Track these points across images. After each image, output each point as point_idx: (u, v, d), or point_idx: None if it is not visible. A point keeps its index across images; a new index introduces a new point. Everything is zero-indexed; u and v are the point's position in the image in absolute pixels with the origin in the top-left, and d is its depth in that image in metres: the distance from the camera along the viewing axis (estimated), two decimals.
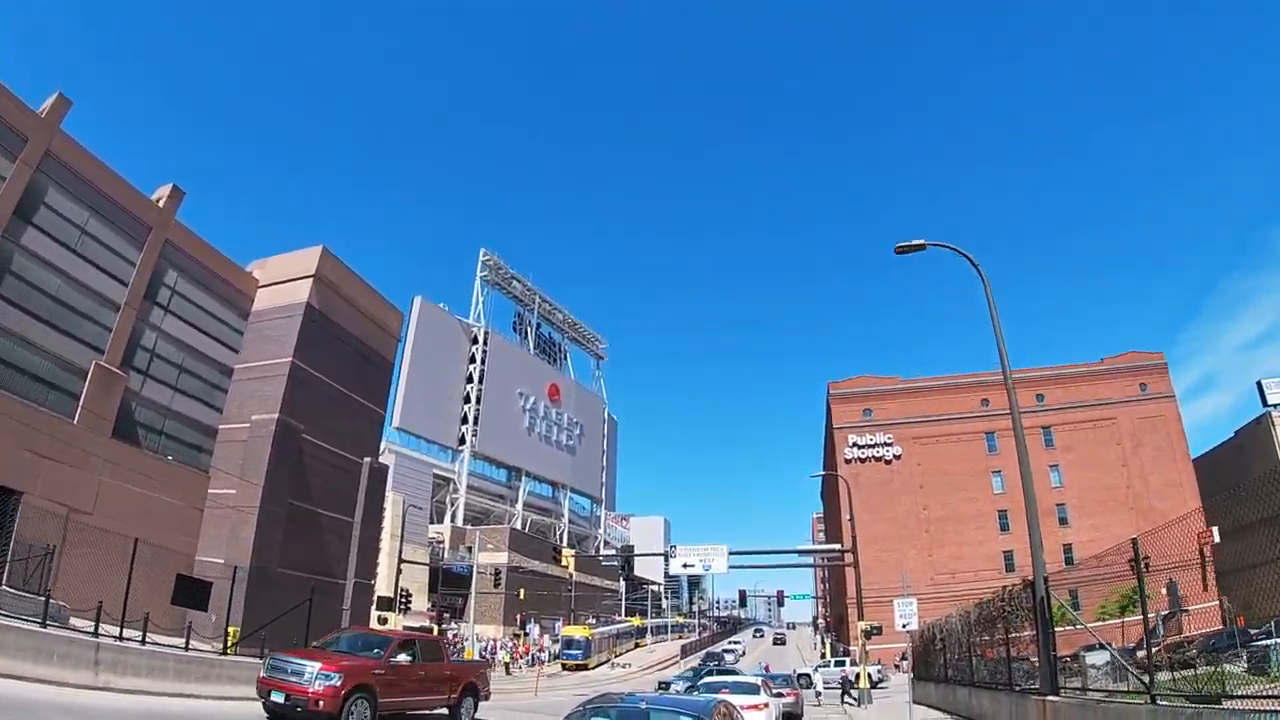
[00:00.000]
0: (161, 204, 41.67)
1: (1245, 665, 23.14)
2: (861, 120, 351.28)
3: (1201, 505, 65.94)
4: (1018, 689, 18.70)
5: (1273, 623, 38.41)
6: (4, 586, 20.41)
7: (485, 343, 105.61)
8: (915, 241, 19.42)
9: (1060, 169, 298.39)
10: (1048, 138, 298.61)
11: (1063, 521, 79.53)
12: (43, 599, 18.23)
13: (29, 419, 31.59)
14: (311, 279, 45.87)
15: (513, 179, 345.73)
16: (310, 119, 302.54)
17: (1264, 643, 26.13)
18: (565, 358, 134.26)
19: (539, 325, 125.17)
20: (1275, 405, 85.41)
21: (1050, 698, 15.82)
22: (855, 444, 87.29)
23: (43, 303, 34.36)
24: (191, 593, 24.04)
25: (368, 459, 50.06)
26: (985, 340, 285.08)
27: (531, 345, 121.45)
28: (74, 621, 19.45)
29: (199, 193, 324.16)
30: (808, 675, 46.73)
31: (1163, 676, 13.10)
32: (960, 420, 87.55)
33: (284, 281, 46.71)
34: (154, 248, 40.28)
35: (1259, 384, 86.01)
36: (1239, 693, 10.50)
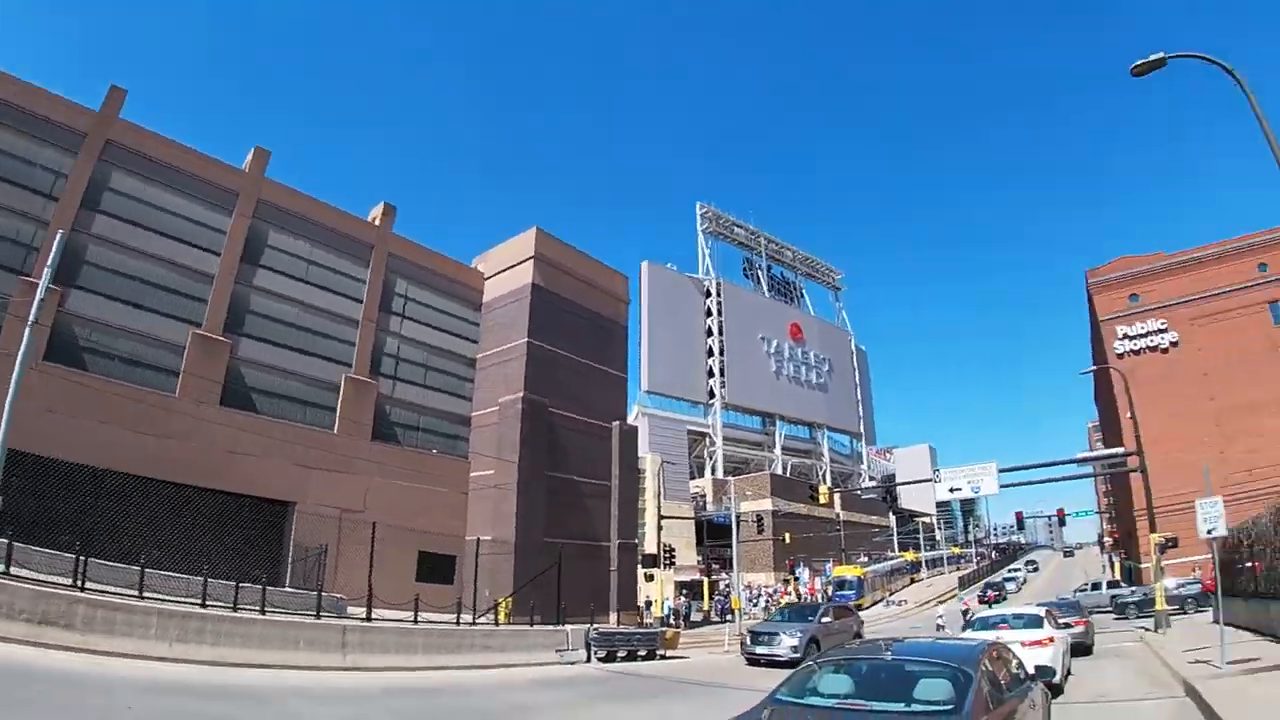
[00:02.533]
0: (378, 222, 45.21)
1: None
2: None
3: None
4: None
5: None
6: (287, 586, 22.46)
7: (719, 294, 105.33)
8: (1154, 56, 16.53)
9: None
10: None
11: None
12: (316, 593, 19.80)
13: (295, 437, 35.37)
14: (532, 260, 47.51)
15: (713, 125, 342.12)
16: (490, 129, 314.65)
17: None
18: (802, 295, 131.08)
19: (769, 267, 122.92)
20: None
21: None
22: (1125, 335, 77.65)
23: (286, 332, 38.29)
24: (435, 567, 25.39)
25: (616, 422, 51.17)
26: (1249, 199, 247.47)
27: (765, 288, 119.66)
28: (350, 609, 21.07)
29: (406, 205, 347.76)
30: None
31: None
32: (1239, 291, 75.56)
33: (506, 269, 49.03)
34: (380, 262, 44.11)
35: None
36: None
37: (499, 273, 49.56)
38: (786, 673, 8.60)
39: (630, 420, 64.33)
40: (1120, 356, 76.81)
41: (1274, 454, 71.30)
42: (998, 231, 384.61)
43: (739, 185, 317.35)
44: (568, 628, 27.38)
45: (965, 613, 40.21)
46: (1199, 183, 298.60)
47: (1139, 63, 16.71)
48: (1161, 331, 77.80)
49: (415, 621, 21.89)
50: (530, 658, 24.11)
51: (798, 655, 23.20)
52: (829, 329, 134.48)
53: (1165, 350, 77.31)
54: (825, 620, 27.95)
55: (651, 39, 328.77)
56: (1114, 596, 50.57)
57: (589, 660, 26.44)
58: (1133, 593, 49.46)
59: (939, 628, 38.79)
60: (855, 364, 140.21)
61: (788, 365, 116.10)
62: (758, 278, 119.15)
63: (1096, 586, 57.01)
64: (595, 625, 29.60)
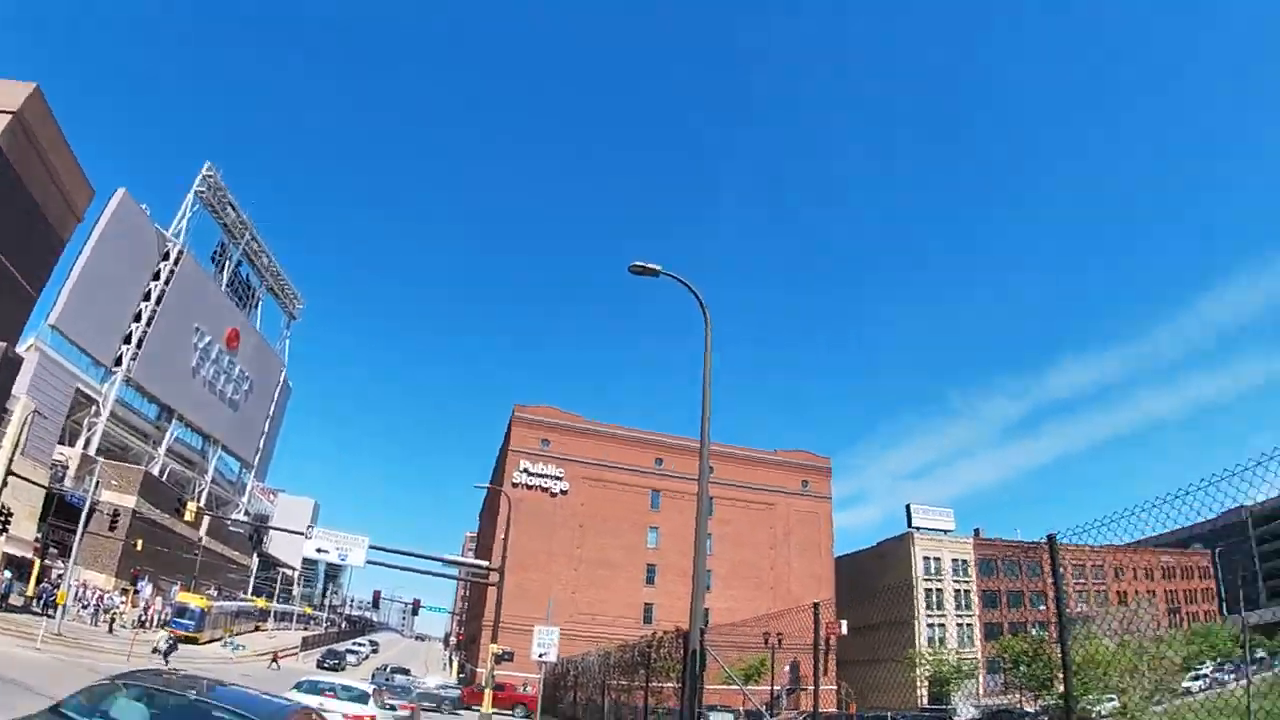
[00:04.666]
0: None
1: None
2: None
3: (834, 598, 74.04)
4: None
5: (889, 715, 42.95)
6: None
7: (177, 264, 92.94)
8: (651, 265, 18.79)
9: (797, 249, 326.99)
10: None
11: (707, 588, 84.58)
12: None
13: None
14: (10, 117, 37.83)
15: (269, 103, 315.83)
16: None
17: None
18: (257, 306, 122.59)
19: (240, 263, 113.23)
20: (919, 528, 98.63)
21: None
22: (527, 470, 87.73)
23: None
24: None
25: (3, 344, 41.87)
26: (661, 400, 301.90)
27: (225, 281, 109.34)
28: None
29: None
30: None
31: None
32: (631, 472, 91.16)
33: None
34: None
35: (908, 506, 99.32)
36: None
37: None
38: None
39: (20, 349, 52.91)
40: (516, 486, 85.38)
41: (615, 608, 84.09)
42: (447, 338, 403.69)
43: (255, 159, 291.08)
44: None
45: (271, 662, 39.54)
46: (650, 365, 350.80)
47: (637, 265, 18.72)
48: (557, 479, 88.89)
49: None
50: None
51: None
52: (267, 351, 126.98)
53: (555, 494, 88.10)
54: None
55: None
56: (440, 690, 53.54)
57: None
58: (443, 688, 53.08)
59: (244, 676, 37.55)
60: (278, 396, 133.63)
61: (210, 368, 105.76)
62: (224, 266, 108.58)
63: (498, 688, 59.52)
64: None
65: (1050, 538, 8.64)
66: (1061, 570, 8.72)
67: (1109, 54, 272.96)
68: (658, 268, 18.76)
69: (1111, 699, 28.86)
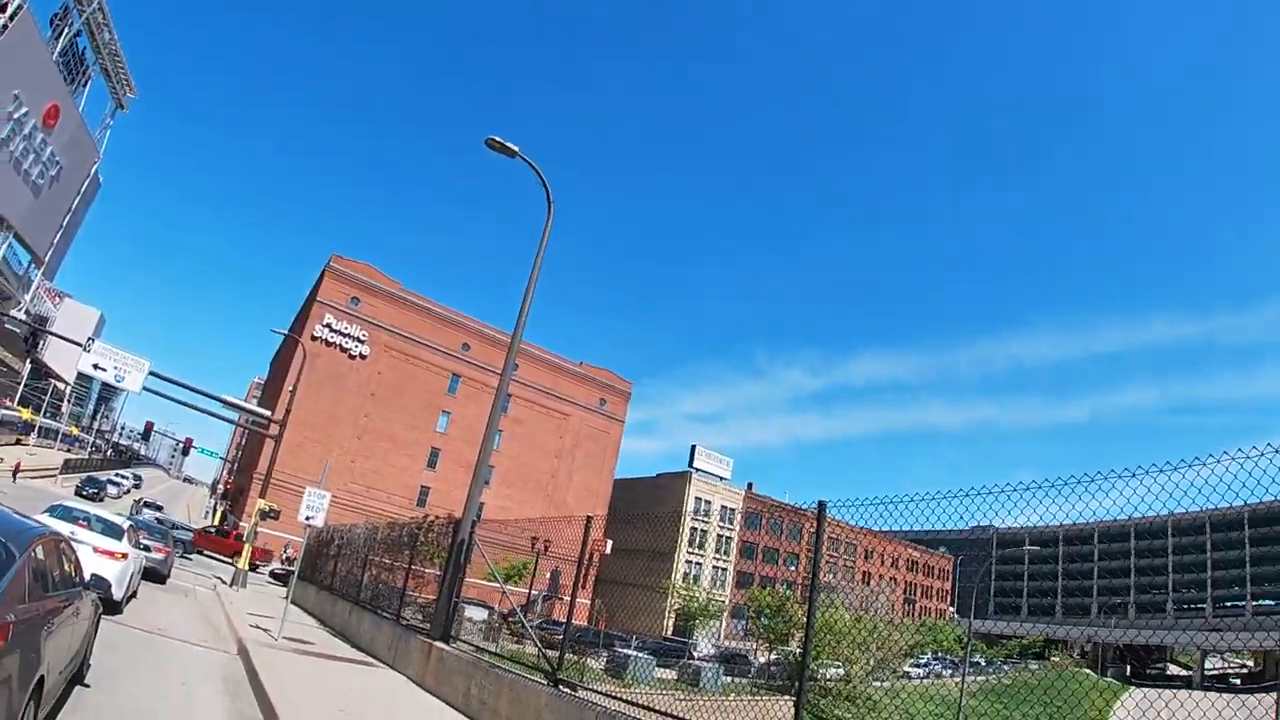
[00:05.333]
0: None
1: (604, 665, 27.31)
2: None
3: (606, 515, 76.16)
4: (405, 623, 18.28)
5: (635, 638, 45.14)
6: None
7: (13, 17, 79.97)
8: (509, 144, 18.84)
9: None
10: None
11: (486, 483, 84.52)
12: None
13: None
14: None
15: None
16: None
17: (627, 652, 30.75)
18: (85, 85, 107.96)
19: (79, 33, 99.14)
20: (698, 469, 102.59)
21: (440, 644, 15.44)
22: (330, 325, 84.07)
23: None
24: None
25: None
26: (483, 284, 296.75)
27: (58, 51, 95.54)
28: None
29: None
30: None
31: (531, 650, 13.79)
32: (436, 351, 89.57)
33: None
34: None
35: (693, 447, 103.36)
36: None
37: None
38: None
39: None
40: (315, 339, 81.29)
41: (392, 485, 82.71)
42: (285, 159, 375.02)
43: None
44: None
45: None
46: (484, 250, 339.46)
47: (494, 140, 18.79)
48: (360, 341, 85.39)
49: None
50: None
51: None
52: (84, 135, 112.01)
53: (353, 357, 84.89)
54: None
55: None
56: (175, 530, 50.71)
57: None
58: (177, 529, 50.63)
59: None
60: (85, 188, 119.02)
61: (20, 143, 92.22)
62: (61, 34, 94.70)
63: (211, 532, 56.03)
64: None
65: (821, 504, 8.97)
66: (825, 537, 9.07)
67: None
68: (515, 148, 18.81)
69: (838, 667, 31.69)
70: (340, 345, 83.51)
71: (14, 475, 55.17)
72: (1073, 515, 7.37)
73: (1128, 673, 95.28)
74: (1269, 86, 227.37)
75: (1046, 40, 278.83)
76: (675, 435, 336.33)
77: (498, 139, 18.60)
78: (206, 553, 49.46)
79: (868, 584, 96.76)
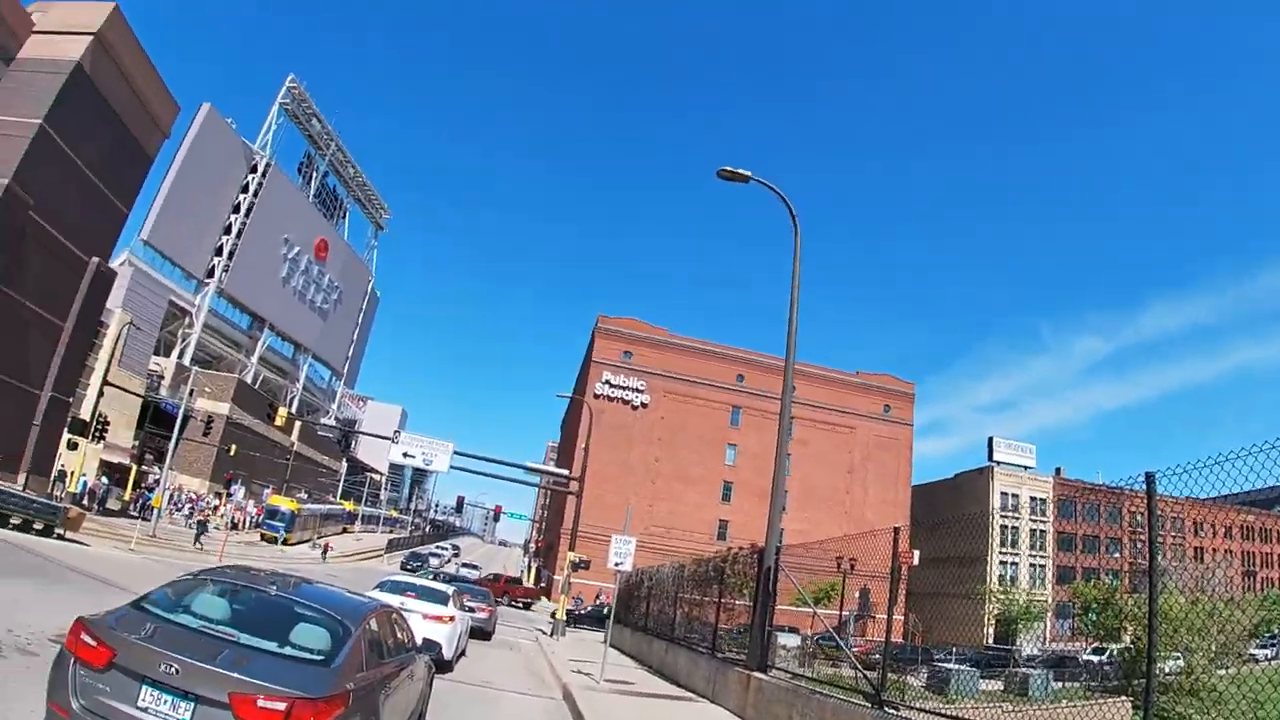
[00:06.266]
0: None
1: (925, 681, 25.27)
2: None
3: (909, 526, 72.83)
4: (720, 656, 18.07)
5: (954, 650, 42.43)
6: None
7: (264, 175, 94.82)
8: (740, 170, 18.07)
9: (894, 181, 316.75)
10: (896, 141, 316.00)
11: (782, 509, 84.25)
12: None
13: None
14: (91, 37, 38.17)
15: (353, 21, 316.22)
16: None
17: (948, 665, 28.40)
18: (344, 217, 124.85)
19: (326, 174, 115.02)
20: (999, 462, 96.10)
21: (757, 674, 15.07)
22: (609, 381, 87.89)
23: None
24: None
25: (97, 259, 43.09)
26: (745, 321, 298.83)
27: (312, 193, 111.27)
28: None
29: None
30: None
31: (847, 672, 13.03)
32: (712, 387, 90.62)
33: (61, 33, 38.56)
34: None
35: (990, 439, 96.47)
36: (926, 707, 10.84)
37: (51, 33, 38.51)
38: None
39: (114, 264, 54.69)
40: (597, 397, 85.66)
41: (690, 523, 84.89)
42: (533, 250, 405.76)
43: (337, 75, 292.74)
44: None
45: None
46: (736, 280, 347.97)
47: (726, 169, 18.10)
48: (639, 391, 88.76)
49: None
50: None
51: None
52: (355, 260, 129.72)
53: (635, 407, 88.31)
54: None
55: None
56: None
57: None
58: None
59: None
60: (365, 305, 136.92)
61: (299, 278, 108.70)
62: (311, 178, 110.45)
63: (496, 579, 61.36)
64: None
65: (1149, 476, 7.77)
66: (1158, 513, 7.82)
67: None
68: (747, 173, 18.16)
69: (1176, 657, 27.59)
70: (621, 398, 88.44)
71: (323, 554, 63.38)
72: None
73: None
74: None
75: None
76: (968, 430, 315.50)
77: (729, 168, 18.20)
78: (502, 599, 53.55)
79: (1200, 561, 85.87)
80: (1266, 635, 63.64)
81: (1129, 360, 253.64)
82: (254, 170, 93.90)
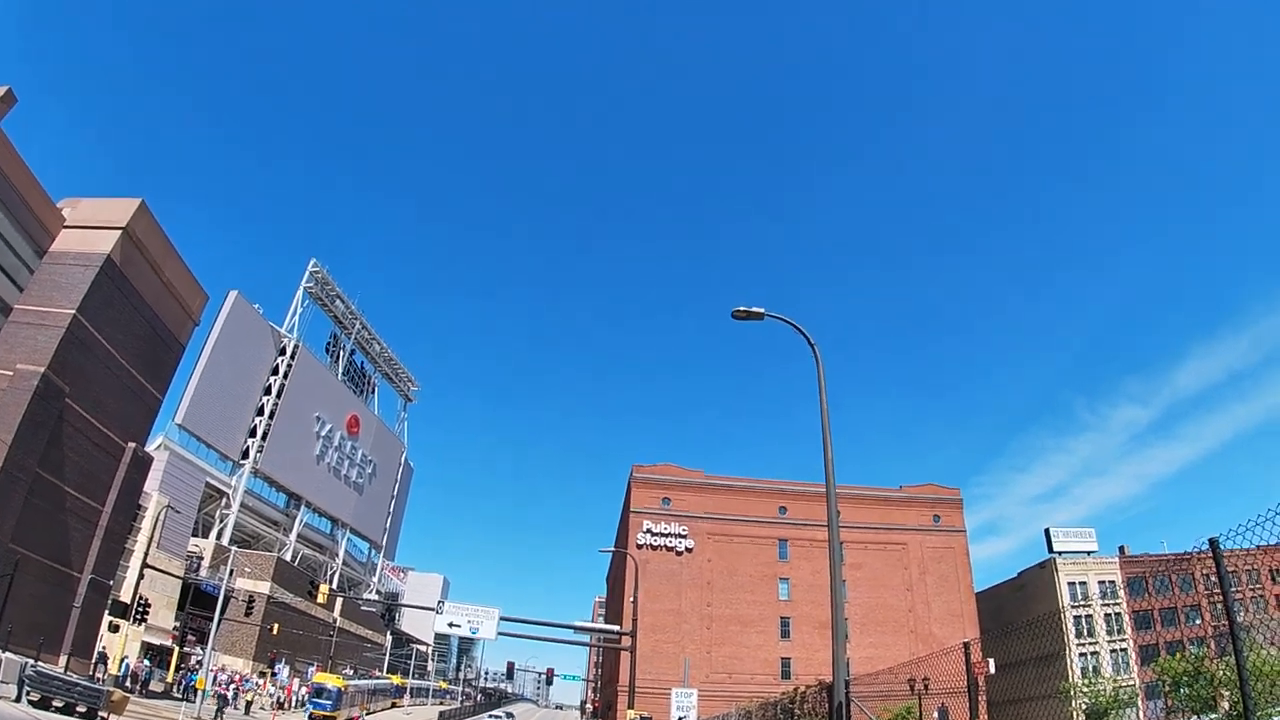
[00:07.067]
0: None
1: None
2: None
3: (979, 636, 70.20)
4: None
5: None
6: None
7: (293, 357, 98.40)
8: (754, 309, 18.25)
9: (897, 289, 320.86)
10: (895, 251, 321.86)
11: (845, 636, 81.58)
12: None
13: None
14: (120, 232, 41.04)
15: (365, 209, 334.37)
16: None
17: None
18: (373, 392, 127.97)
19: (353, 352, 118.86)
20: (1060, 552, 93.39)
21: None
22: (650, 530, 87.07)
23: None
24: None
25: (133, 444, 44.62)
26: (782, 449, 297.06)
27: (340, 371, 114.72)
28: None
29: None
30: None
31: None
32: (756, 524, 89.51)
33: (90, 227, 41.56)
34: None
35: (1047, 531, 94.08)
36: None
37: (82, 227, 41.53)
38: None
39: (150, 448, 56.36)
40: (640, 547, 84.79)
41: (751, 664, 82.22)
42: (563, 410, 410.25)
43: (365, 262, 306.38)
44: (3, 655, 22.24)
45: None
46: (767, 411, 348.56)
47: (740, 310, 18.23)
48: (682, 536, 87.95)
49: None
50: None
51: None
52: (386, 434, 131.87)
53: (680, 553, 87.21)
54: None
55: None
56: None
57: (18, 699, 21.78)
58: None
59: None
60: (399, 476, 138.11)
61: (333, 454, 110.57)
62: (338, 356, 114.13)
63: None
64: (37, 663, 24.47)
65: (1213, 542, 7.86)
66: (1228, 571, 7.84)
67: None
68: (761, 310, 18.29)
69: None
70: (665, 545, 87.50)
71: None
72: None
73: None
74: None
75: None
76: (1023, 525, 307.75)
77: (743, 309, 18.22)
78: None
79: None
80: None
81: (1175, 420, 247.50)
82: (283, 353, 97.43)
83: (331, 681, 66.16)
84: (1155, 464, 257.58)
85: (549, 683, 78.72)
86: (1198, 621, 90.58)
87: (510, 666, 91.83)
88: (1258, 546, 7.69)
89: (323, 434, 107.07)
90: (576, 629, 58.31)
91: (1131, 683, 76.48)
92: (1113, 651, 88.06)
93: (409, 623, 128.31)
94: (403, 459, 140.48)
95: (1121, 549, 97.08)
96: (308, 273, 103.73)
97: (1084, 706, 67.18)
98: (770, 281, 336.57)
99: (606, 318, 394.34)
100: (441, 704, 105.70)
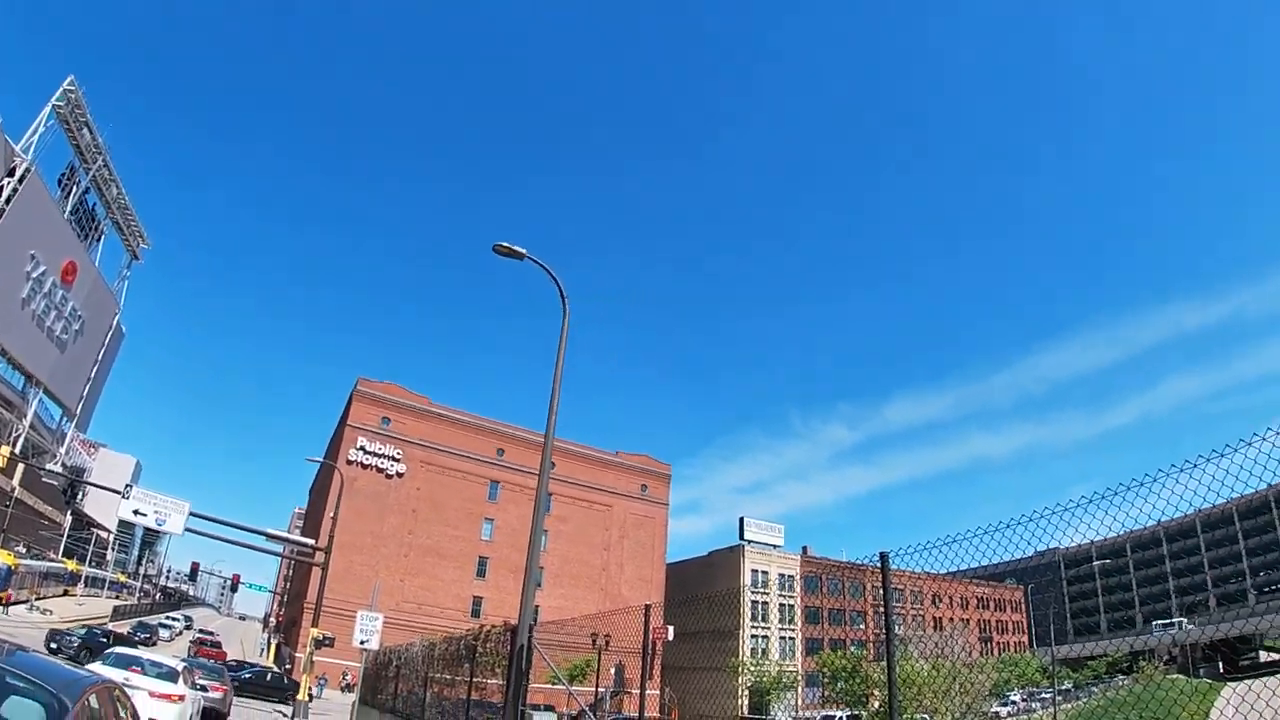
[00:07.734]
0: None
1: None
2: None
3: (663, 602, 74.78)
4: None
5: None
6: None
7: (20, 182, 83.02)
8: (517, 248, 18.42)
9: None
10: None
11: (539, 585, 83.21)
12: None
13: None
14: None
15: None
16: None
17: None
18: (99, 240, 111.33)
19: (87, 190, 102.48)
20: (750, 541, 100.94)
21: None
22: (364, 448, 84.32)
23: None
24: None
25: None
26: (509, 385, 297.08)
27: (69, 209, 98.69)
28: None
29: None
30: None
31: None
32: (472, 460, 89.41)
33: None
34: None
35: (741, 519, 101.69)
36: None
37: None
38: None
39: None
40: (350, 463, 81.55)
41: (443, 598, 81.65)
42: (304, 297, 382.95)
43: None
44: None
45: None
46: (503, 348, 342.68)
47: (502, 245, 18.30)
48: (395, 460, 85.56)
49: None
50: None
51: None
52: (102, 289, 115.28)
53: (391, 476, 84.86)
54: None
55: None
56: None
57: None
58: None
59: None
60: (108, 340, 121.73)
61: (41, 301, 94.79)
62: (71, 193, 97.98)
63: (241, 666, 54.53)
64: None
65: (883, 555, 8.66)
66: (894, 587, 8.65)
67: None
68: (523, 251, 18.43)
69: (924, 718, 30.24)
70: (376, 466, 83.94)
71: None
72: (1139, 520, 7.06)
73: (1220, 669, 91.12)
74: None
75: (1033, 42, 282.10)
76: (722, 510, 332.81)
77: (505, 244, 18.26)
78: None
79: (940, 630, 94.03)
80: (1008, 694, 70.59)
81: (875, 448, 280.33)
82: (11, 174, 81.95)
83: (4, 558, 58.47)
84: (850, 482, 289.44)
85: (234, 590, 73.74)
86: (862, 626, 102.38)
87: (195, 567, 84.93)
88: (922, 571, 8.68)
89: (35, 275, 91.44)
90: (270, 536, 53.90)
91: (794, 669, 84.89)
92: (782, 639, 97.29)
93: (93, 504, 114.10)
94: (115, 321, 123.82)
95: (804, 549, 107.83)
96: (62, 90, 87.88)
97: (750, 683, 73.77)
98: (547, 237, 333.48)
99: (383, 227, 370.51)
100: (118, 598, 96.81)
